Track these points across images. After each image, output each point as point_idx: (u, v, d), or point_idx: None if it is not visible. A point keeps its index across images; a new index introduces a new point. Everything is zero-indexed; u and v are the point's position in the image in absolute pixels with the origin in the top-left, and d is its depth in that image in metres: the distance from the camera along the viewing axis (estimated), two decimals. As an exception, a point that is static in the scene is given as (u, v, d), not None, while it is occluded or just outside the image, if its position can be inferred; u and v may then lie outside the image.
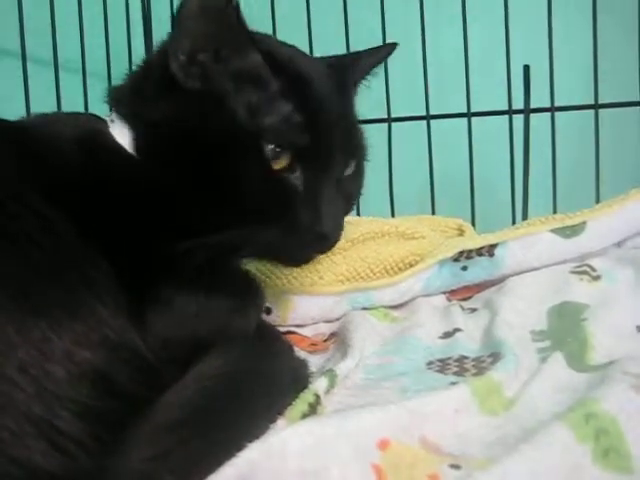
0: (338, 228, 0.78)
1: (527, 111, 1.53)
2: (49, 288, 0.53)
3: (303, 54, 0.89)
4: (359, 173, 0.86)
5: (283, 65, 0.76)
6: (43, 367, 0.48)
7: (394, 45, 1.00)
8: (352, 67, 0.91)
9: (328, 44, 1.63)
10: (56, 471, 0.45)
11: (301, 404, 0.61)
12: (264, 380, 0.58)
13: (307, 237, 0.74)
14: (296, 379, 0.67)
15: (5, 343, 0.47)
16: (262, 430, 0.52)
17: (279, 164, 0.72)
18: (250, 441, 0.50)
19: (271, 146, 0.72)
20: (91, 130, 0.77)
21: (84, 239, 0.60)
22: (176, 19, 0.72)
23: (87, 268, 0.57)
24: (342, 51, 1.59)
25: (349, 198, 0.84)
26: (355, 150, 0.83)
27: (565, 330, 0.83)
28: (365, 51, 0.96)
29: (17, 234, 0.54)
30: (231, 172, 0.71)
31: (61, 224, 0.58)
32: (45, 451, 0.45)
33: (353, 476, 0.50)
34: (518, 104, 1.55)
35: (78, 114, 0.88)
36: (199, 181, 0.71)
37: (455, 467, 0.53)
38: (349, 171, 0.82)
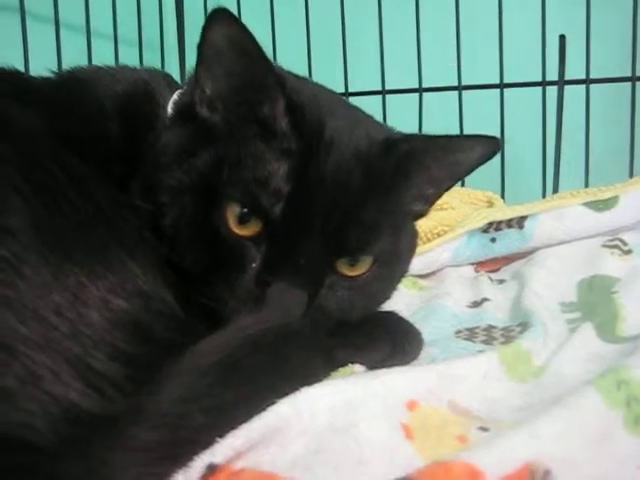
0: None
1: (561, 82, 1.50)
2: (83, 241, 0.54)
3: (350, 115, 0.75)
4: (365, 280, 0.68)
5: (305, 122, 0.66)
6: (78, 311, 0.49)
7: (495, 143, 0.70)
8: (419, 155, 0.70)
9: (360, 14, 1.63)
10: (92, 409, 0.46)
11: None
12: (300, 342, 0.58)
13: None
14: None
15: (41, 286, 0.48)
16: (294, 389, 0.53)
17: (243, 230, 0.63)
18: (280, 397, 0.51)
19: (237, 207, 0.63)
20: (138, 91, 0.77)
21: (115, 197, 0.61)
22: (200, 47, 0.65)
23: (118, 225, 0.58)
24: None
25: (339, 301, 0.67)
26: (347, 248, 0.65)
27: (595, 302, 0.83)
28: (453, 138, 0.73)
29: (52, 191, 0.55)
30: (198, 216, 0.64)
31: (92, 182, 0.59)
32: (82, 390, 0.46)
33: (382, 434, 0.50)
34: (552, 75, 1.52)
35: (139, 70, 0.84)
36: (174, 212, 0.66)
37: (483, 429, 0.53)
38: (347, 271, 0.66)
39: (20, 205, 0.51)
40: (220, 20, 0.62)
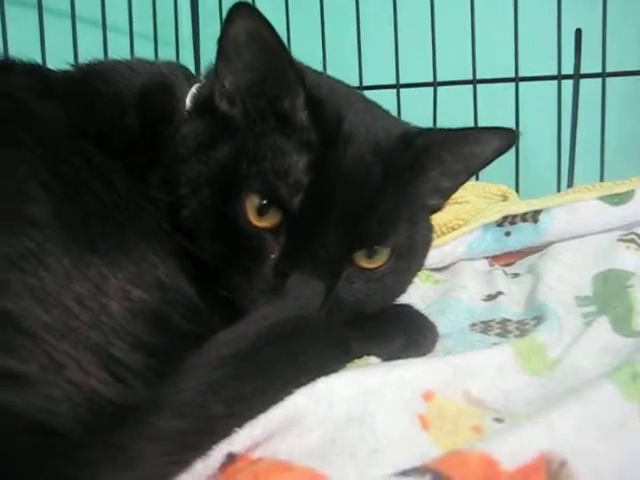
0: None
1: (577, 76, 1.50)
2: (104, 232, 0.55)
3: (367, 109, 0.74)
4: (381, 273, 0.68)
5: (325, 115, 0.66)
6: (99, 301, 0.50)
7: (511, 135, 0.70)
8: (435, 149, 0.71)
9: (375, 7, 1.63)
10: (113, 398, 0.47)
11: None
12: (317, 333, 0.59)
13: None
14: None
15: (63, 276, 0.49)
16: (310, 380, 0.53)
17: (262, 221, 0.64)
18: (298, 387, 0.51)
19: (257, 198, 0.63)
20: (157, 84, 0.77)
21: (134, 189, 0.61)
22: (220, 41, 0.66)
23: (137, 216, 0.59)
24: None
25: (356, 293, 0.67)
26: (365, 240, 0.66)
27: (611, 296, 0.83)
28: (469, 131, 0.73)
29: (74, 182, 0.55)
30: (217, 208, 0.65)
31: (112, 174, 0.60)
32: (104, 378, 0.47)
33: (398, 424, 0.51)
34: (567, 69, 1.51)
35: (157, 63, 0.84)
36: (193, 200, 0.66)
37: (499, 420, 0.53)
38: (365, 263, 0.67)
39: (43, 195, 0.52)
40: (241, 14, 0.62)
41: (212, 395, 0.47)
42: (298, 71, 0.66)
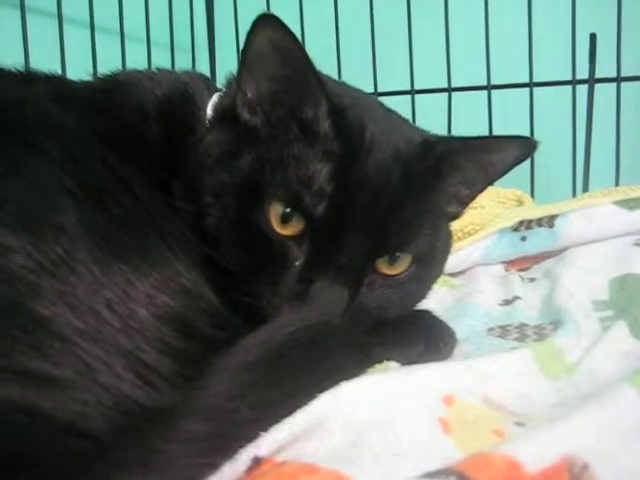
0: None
1: (592, 81, 1.50)
2: (129, 239, 0.55)
3: (387, 118, 0.76)
4: (403, 279, 0.69)
5: (346, 125, 0.67)
6: (128, 306, 0.51)
7: (531, 144, 0.72)
8: (454, 157, 0.72)
9: (389, 14, 1.63)
10: (143, 401, 0.48)
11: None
12: (339, 339, 0.60)
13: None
14: None
15: (91, 281, 0.50)
16: (333, 384, 0.54)
17: (286, 229, 0.65)
18: (321, 392, 0.52)
19: (281, 206, 0.65)
20: (178, 93, 0.79)
21: (157, 197, 0.63)
22: (244, 52, 0.67)
23: (161, 224, 0.60)
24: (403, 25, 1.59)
25: (378, 299, 0.68)
26: (387, 247, 0.67)
27: (628, 301, 0.83)
28: (489, 139, 0.77)
29: (98, 190, 0.57)
30: (241, 216, 0.66)
31: (135, 182, 0.61)
32: (133, 382, 0.48)
33: (420, 427, 0.52)
34: (582, 74, 1.52)
35: (178, 72, 0.86)
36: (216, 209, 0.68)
37: (520, 424, 0.54)
38: (387, 269, 0.68)
39: (70, 203, 0.53)
40: (265, 25, 0.64)
41: (239, 400, 0.48)
42: (321, 81, 0.67)
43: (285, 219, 0.65)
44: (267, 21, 0.63)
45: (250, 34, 0.65)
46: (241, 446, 0.47)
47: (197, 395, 0.48)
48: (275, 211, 0.65)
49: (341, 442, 0.50)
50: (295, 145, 0.66)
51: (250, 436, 0.48)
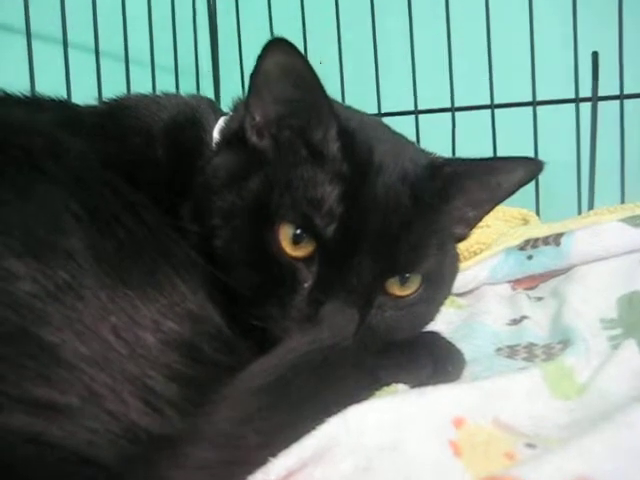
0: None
1: (595, 99, 1.50)
2: (135, 264, 0.55)
3: (394, 140, 0.77)
4: (412, 300, 0.69)
5: (355, 148, 0.68)
6: (135, 332, 0.50)
7: (537, 165, 0.72)
8: (461, 178, 0.72)
9: (392, 34, 1.65)
10: (151, 429, 0.47)
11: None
12: (347, 362, 0.59)
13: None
14: None
15: (98, 307, 0.50)
16: (342, 408, 0.54)
17: (297, 251, 0.65)
18: (329, 416, 0.52)
19: (291, 228, 0.65)
20: (184, 117, 0.79)
21: (163, 220, 0.63)
22: (253, 76, 0.67)
23: (168, 248, 0.60)
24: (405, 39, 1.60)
25: (387, 321, 0.68)
26: (397, 268, 0.67)
27: (636, 318, 0.83)
28: (495, 161, 0.78)
29: (105, 214, 0.57)
30: (250, 238, 0.66)
31: (142, 206, 0.61)
32: (141, 409, 0.48)
33: (430, 451, 0.51)
34: (585, 92, 1.52)
35: (184, 96, 0.87)
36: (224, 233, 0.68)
37: (531, 446, 0.53)
38: (397, 290, 0.68)
39: (76, 228, 0.53)
40: (275, 49, 0.64)
41: (247, 425, 0.48)
42: (331, 104, 0.68)
43: (296, 240, 0.64)
44: (277, 45, 0.64)
45: (260, 58, 0.65)
46: (250, 472, 0.47)
47: (205, 421, 0.48)
48: (285, 233, 0.65)
49: (351, 467, 0.50)
50: (304, 167, 0.67)
51: (259, 462, 0.47)
